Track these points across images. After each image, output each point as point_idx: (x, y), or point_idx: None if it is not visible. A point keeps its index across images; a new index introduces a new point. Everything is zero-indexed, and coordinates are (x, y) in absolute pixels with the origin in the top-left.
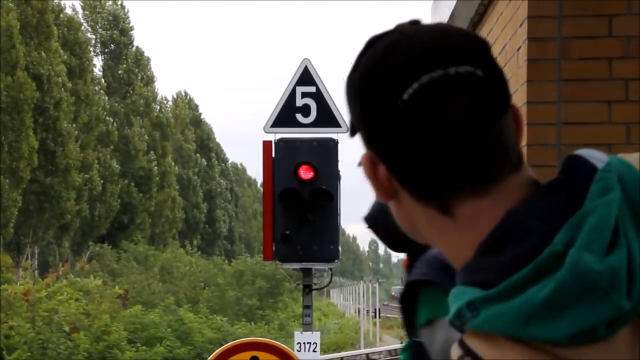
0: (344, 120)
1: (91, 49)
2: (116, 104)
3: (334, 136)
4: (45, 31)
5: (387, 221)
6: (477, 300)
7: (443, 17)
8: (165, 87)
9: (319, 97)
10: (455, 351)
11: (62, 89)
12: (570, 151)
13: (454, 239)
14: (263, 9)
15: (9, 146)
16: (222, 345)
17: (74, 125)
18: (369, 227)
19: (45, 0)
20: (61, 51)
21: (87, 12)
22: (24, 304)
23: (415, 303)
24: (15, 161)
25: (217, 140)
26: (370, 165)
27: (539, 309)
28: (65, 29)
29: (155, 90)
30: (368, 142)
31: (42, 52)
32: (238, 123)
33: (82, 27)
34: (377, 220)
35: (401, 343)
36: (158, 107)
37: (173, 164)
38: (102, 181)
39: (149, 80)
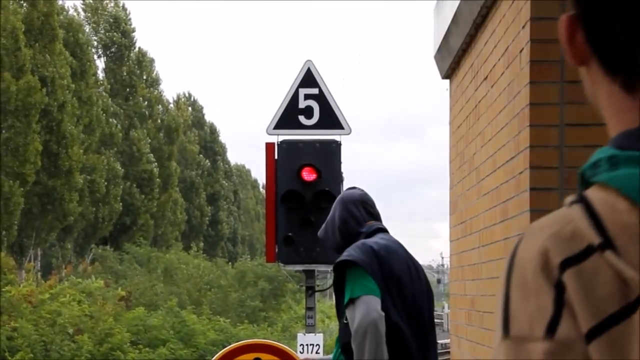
0: (346, 122)
1: (93, 50)
2: (118, 106)
3: (336, 138)
4: (50, 34)
5: (335, 235)
6: (623, 157)
7: (446, 18)
8: (169, 89)
9: (321, 99)
10: (569, 197)
11: (67, 91)
12: (573, 153)
13: (628, 119)
14: (266, 10)
15: (15, 149)
16: (225, 347)
17: (77, 127)
18: (322, 240)
19: (51, 3)
20: (66, 53)
21: (89, 14)
22: (27, 305)
23: (343, 285)
24: (21, 164)
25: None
26: (569, 28)
27: None
28: (65, 31)
29: (161, 92)
30: (573, 3)
31: (47, 55)
32: (240, 125)
33: (82, 28)
34: (328, 234)
35: None
36: (163, 110)
37: (177, 166)
38: (105, 183)
39: (153, 82)
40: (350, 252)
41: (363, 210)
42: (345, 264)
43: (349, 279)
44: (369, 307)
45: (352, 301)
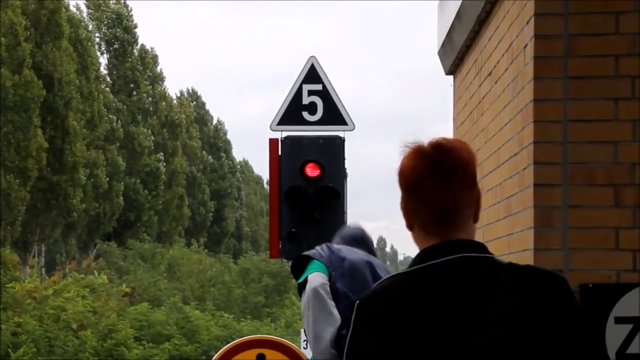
0: (350, 118)
1: (96, 46)
2: (121, 102)
3: (340, 134)
4: (56, 30)
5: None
6: None
7: (449, 15)
8: (173, 85)
9: (325, 94)
10: None
11: (72, 86)
12: (576, 149)
13: None
14: (270, 5)
15: (17, 145)
16: (229, 342)
17: (80, 123)
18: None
19: (59, 1)
20: (71, 48)
21: (92, 11)
22: (31, 301)
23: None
24: (23, 160)
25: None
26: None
27: None
28: (68, 27)
29: (165, 89)
30: None
31: (55, 51)
32: (244, 121)
33: (83, 23)
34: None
35: None
36: (167, 106)
37: (183, 163)
38: (107, 178)
39: (156, 78)
40: (312, 250)
41: (354, 244)
42: (299, 261)
43: (308, 267)
44: (310, 281)
45: (302, 286)
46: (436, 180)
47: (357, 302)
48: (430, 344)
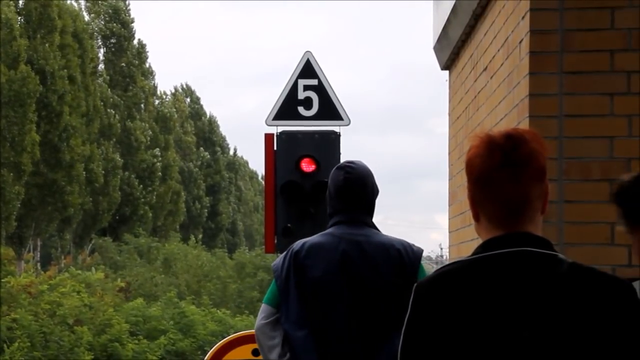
0: (345, 113)
1: (93, 41)
2: (117, 97)
3: (335, 129)
4: (49, 24)
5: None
6: None
7: (445, 10)
8: (168, 80)
9: (320, 89)
10: None
11: (66, 80)
12: (572, 144)
13: None
14: (269, 1)
15: (12, 140)
16: (224, 337)
17: (74, 117)
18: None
19: None
20: (71, 40)
21: (89, 5)
22: (26, 296)
23: None
24: (18, 155)
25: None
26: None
27: None
28: (64, 20)
29: (155, 83)
30: None
31: (47, 45)
32: (240, 116)
33: (80, 17)
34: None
35: None
36: (158, 101)
37: (177, 157)
38: (103, 172)
39: (145, 72)
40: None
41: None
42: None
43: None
44: (258, 316)
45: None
46: (509, 172)
47: (416, 285)
48: (480, 334)
